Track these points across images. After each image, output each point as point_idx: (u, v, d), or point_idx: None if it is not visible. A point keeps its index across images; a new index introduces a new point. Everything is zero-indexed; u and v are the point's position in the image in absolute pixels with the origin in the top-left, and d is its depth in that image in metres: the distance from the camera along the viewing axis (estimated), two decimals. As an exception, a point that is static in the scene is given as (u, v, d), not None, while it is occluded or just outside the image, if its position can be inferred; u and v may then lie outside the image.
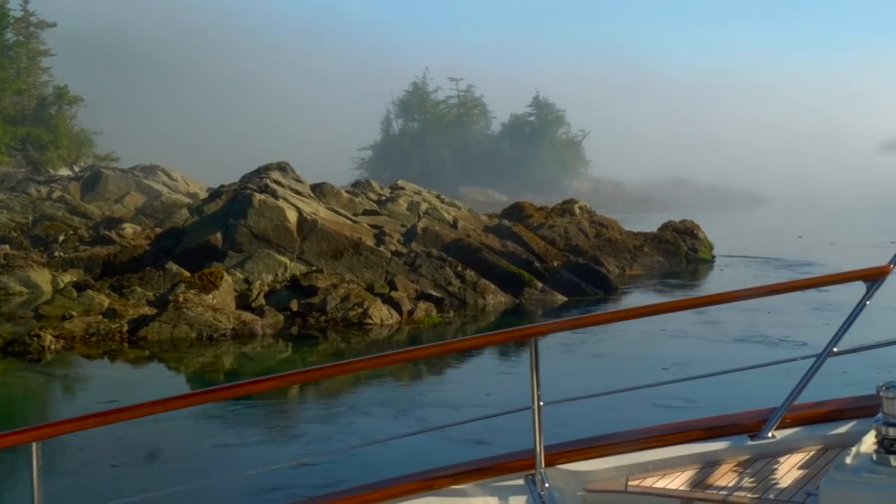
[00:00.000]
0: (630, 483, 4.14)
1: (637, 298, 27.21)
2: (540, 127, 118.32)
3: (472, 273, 25.07)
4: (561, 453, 4.28)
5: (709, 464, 4.22)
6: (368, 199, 28.25)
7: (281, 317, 21.84)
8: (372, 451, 9.19)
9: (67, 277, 26.14)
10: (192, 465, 10.88)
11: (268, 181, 25.99)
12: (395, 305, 22.37)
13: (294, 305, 22.30)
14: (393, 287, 24.11)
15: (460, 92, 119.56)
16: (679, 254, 35.80)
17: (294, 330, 21.56)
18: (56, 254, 28.34)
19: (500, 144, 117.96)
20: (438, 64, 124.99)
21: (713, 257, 37.93)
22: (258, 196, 24.84)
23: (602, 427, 4.79)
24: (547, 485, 4.14)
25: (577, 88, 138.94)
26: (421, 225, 26.51)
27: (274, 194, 25.44)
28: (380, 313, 21.59)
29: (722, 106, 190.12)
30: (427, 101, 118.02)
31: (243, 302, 22.38)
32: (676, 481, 4.11)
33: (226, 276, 22.02)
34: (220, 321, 19.95)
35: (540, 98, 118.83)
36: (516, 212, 37.10)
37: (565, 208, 36.64)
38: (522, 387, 4.31)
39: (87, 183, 45.85)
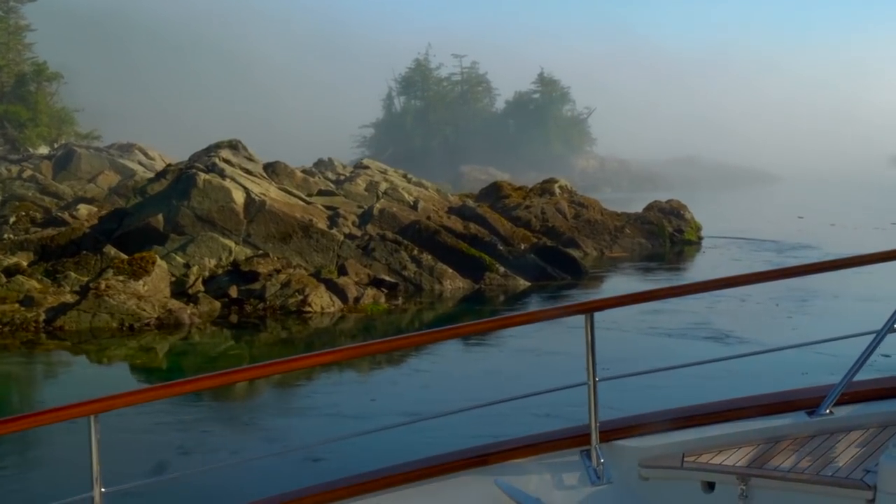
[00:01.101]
0: (686, 459, 4.10)
1: (614, 284, 25.90)
2: (544, 104, 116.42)
3: (429, 257, 23.78)
4: (616, 429, 4.25)
5: (766, 440, 4.18)
6: (326, 179, 26.93)
7: (217, 304, 20.64)
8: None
9: (13, 261, 24.93)
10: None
11: (216, 160, 24.70)
12: (339, 292, 21.12)
13: (233, 292, 21.09)
14: (343, 272, 22.86)
15: (464, 69, 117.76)
16: (663, 235, 34.39)
17: (233, 318, 20.36)
18: (6, 236, 27.16)
19: (504, 122, 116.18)
20: (441, 40, 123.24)
21: (700, 239, 36.55)
22: (202, 176, 23.57)
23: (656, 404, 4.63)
24: (602, 460, 4.13)
25: (583, 65, 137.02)
26: (378, 206, 25.21)
27: (221, 174, 24.16)
28: (321, 301, 20.34)
29: (731, 83, 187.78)
30: (430, 79, 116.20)
31: (180, 288, 21.18)
32: (733, 458, 4.07)
33: (159, 262, 20.80)
34: (144, 310, 18.74)
35: (545, 75, 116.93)
36: (494, 191, 35.73)
37: (545, 188, 35.25)
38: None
39: (60, 162, 44.64)
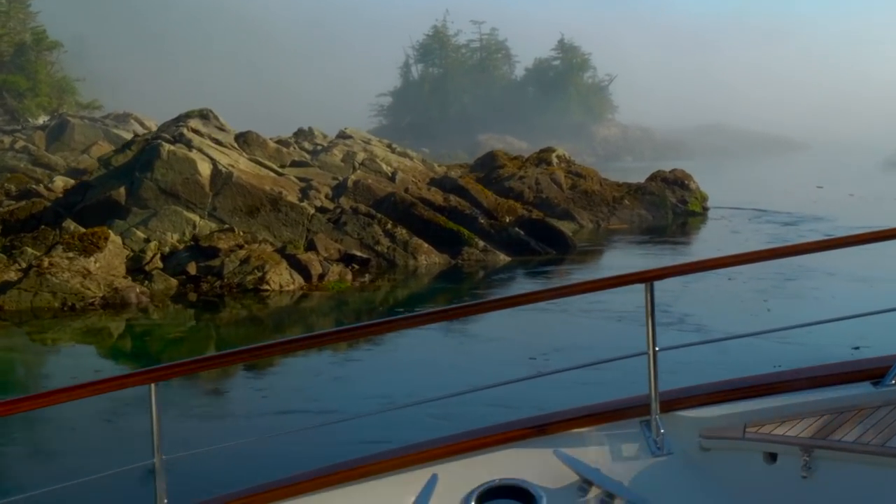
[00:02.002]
0: (748, 430, 4.07)
1: (602, 260, 24.75)
2: (565, 71, 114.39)
3: (404, 231, 22.70)
4: (677, 399, 4.21)
5: (830, 411, 4.11)
6: (302, 149, 25.83)
7: (174, 282, 19.70)
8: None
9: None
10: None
11: (184, 130, 23.69)
12: (302, 269, 20.11)
13: (192, 269, 20.14)
14: (312, 247, 21.85)
15: (483, 35, 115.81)
16: (665, 206, 33.07)
17: (192, 296, 19.43)
18: (-22, 209, 26.34)
19: (524, 90, 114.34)
20: (460, 6, 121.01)
21: (705, 209, 35.21)
22: (167, 147, 22.55)
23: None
24: (662, 431, 4.10)
25: (604, 31, 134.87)
26: (353, 177, 24.10)
27: (189, 144, 23.14)
28: (279, 278, 19.35)
29: (754, 49, 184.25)
30: (448, 46, 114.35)
31: (137, 265, 20.27)
32: (796, 429, 4.03)
33: (113, 237, 19.88)
34: (89, 288, 17.82)
35: (565, 41, 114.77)
36: (489, 161, 34.55)
37: (542, 157, 33.99)
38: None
39: (53, 132, 43.74)
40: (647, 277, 4.12)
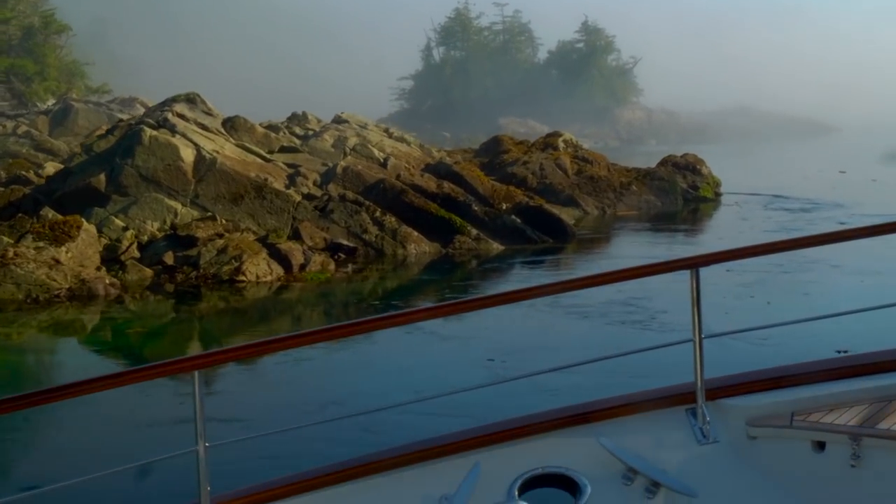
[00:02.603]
0: (796, 418, 4.02)
1: (602, 249, 23.88)
2: (588, 54, 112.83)
3: (393, 219, 21.92)
4: (722, 387, 4.16)
5: (879, 399, 4.01)
6: (293, 134, 25.07)
7: (149, 272, 19.04)
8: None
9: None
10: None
11: (168, 114, 22.99)
12: (282, 259, 19.38)
13: (169, 258, 19.47)
14: (297, 236, 21.12)
15: (505, 18, 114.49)
16: (674, 192, 32.05)
17: (169, 287, 18.77)
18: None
19: (547, 73, 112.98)
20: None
21: (718, 195, 34.18)
22: (148, 132, 21.85)
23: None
24: (708, 419, 4.06)
25: (629, 13, 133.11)
26: (342, 163, 23.31)
27: (173, 129, 22.45)
28: (256, 269, 18.63)
29: (789, 29, 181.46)
30: (470, 28, 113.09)
31: (113, 255, 19.63)
32: (845, 417, 3.95)
33: (86, 226, 19.23)
34: (55, 280, 17.18)
35: (589, 23, 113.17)
36: (494, 146, 33.68)
37: (548, 142, 33.06)
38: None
39: (57, 117, 43.26)
40: (693, 264, 4.04)
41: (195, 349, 13.69)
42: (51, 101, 48.81)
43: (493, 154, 32.79)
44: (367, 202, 22.06)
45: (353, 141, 24.61)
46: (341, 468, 3.87)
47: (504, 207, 24.58)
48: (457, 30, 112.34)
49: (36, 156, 38.47)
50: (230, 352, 3.91)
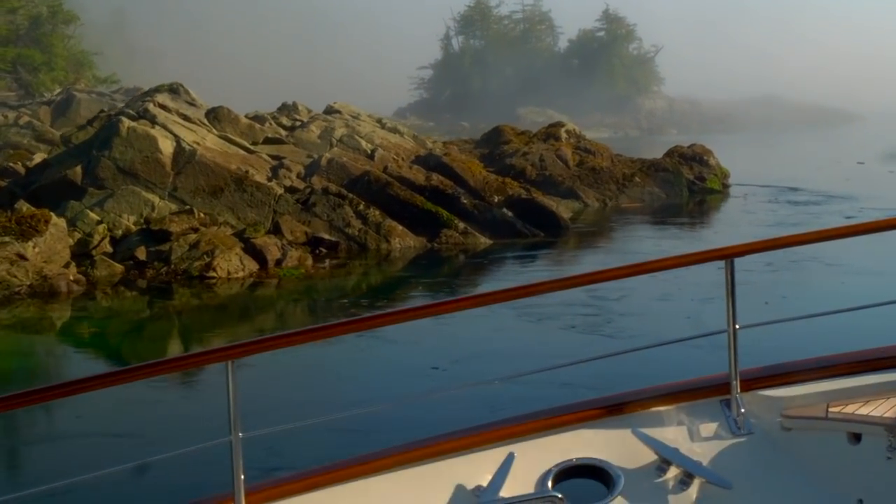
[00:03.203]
0: (831, 410, 3.98)
1: (603, 242, 23.15)
2: (609, 43, 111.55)
3: (377, 212, 21.27)
4: (757, 378, 4.14)
5: None
6: (280, 125, 24.45)
7: (119, 268, 18.51)
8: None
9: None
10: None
11: (149, 105, 22.45)
12: (257, 254, 18.80)
13: (141, 253, 18.93)
14: (277, 230, 20.54)
15: (525, 6, 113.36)
16: (679, 183, 31.19)
17: (142, 283, 18.23)
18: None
19: (567, 62, 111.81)
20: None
21: (726, 186, 33.33)
22: (126, 123, 21.31)
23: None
24: (742, 410, 4.03)
25: (651, 0, 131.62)
26: (327, 155, 22.68)
27: (153, 120, 21.90)
28: (228, 264, 18.04)
29: (815, 18, 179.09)
30: (489, 17, 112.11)
31: (85, 249, 19.12)
32: (881, 408, 3.91)
33: (55, 220, 18.72)
34: (16, 276, 16.67)
35: (609, 11, 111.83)
36: (495, 136, 32.95)
37: (550, 132, 32.31)
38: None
39: (59, 107, 42.87)
40: (728, 254, 4.04)
41: (135, 356, 13.10)
42: (57, 92, 48.45)
43: (493, 145, 32.08)
44: (350, 195, 21.42)
45: (340, 132, 23.97)
46: (375, 458, 3.84)
47: (496, 200, 23.88)
48: (476, 19, 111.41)
49: (38, 146, 38.05)
50: (265, 342, 3.89)
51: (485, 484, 3.78)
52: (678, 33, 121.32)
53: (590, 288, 12.77)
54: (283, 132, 23.90)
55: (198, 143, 21.66)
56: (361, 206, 21.29)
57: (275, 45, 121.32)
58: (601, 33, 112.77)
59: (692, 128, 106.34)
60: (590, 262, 19.11)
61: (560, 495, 3.50)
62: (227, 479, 3.46)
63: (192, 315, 15.89)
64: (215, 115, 23.40)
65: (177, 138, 21.52)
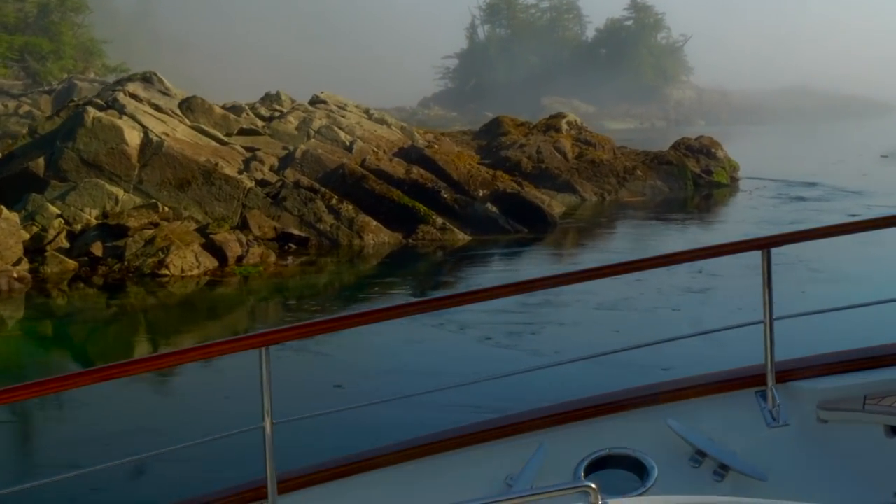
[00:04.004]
0: (868, 402, 3.95)
1: (590, 240, 22.17)
2: (637, 31, 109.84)
3: (350, 207, 20.39)
4: (793, 370, 4.13)
5: None
6: (258, 115, 23.61)
7: (72, 265, 17.76)
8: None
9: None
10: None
11: (119, 94, 21.70)
12: (216, 251, 18.00)
13: (97, 249, 18.17)
14: (245, 225, 19.73)
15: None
16: (684, 176, 30.05)
17: (98, 280, 17.48)
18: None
19: (594, 52, 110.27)
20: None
21: (735, 180, 32.15)
22: (92, 113, 20.58)
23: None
24: (778, 402, 4.02)
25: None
26: (302, 147, 21.81)
27: (122, 110, 21.15)
28: (182, 262, 17.24)
29: (852, 7, 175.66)
30: (516, 6, 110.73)
31: (39, 245, 18.39)
32: None
33: (7, 214, 17.99)
34: (-46, 273, 15.97)
35: (638, 0, 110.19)
36: (494, 128, 31.94)
37: (550, 124, 31.23)
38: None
39: (60, 97, 42.32)
40: (765, 244, 4.03)
41: (32, 367, 12.27)
42: (60, 80, 47.94)
43: (492, 136, 31.08)
44: (322, 189, 20.55)
45: (318, 123, 23.08)
46: (406, 447, 3.83)
47: (481, 194, 22.92)
48: (502, 7, 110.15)
49: (36, 137, 37.58)
50: (299, 328, 3.86)
51: (516, 473, 3.74)
52: (708, 22, 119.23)
53: (538, 292, 11.79)
54: (260, 123, 23.03)
55: (167, 135, 20.88)
56: (334, 201, 20.42)
57: (301, 35, 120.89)
58: (629, 22, 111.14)
59: (721, 118, 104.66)
60: (566, 262, 18.10)
61: (593, 485, 3.21)
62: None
63: (123, 318, 15.07)
64: (188, 106, 22.60)
65: (145, 129, 20.76)
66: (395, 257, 19.49)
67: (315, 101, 25.78)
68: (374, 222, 20.32)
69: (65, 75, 49.18)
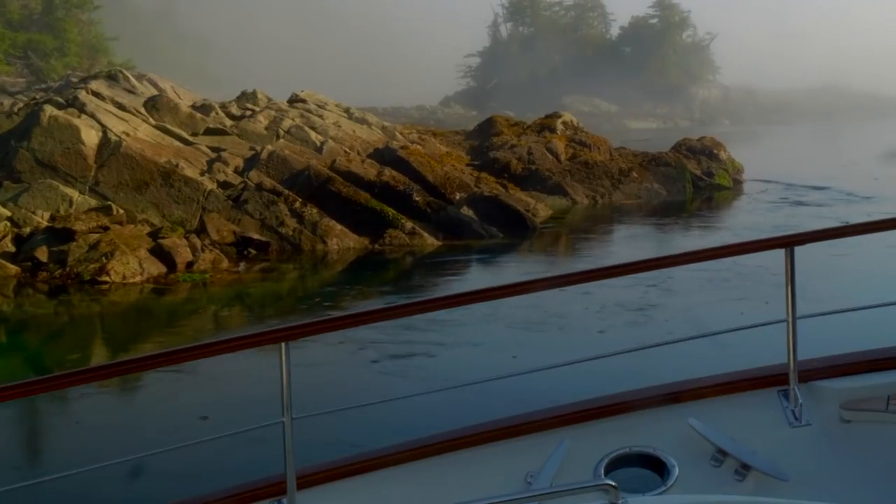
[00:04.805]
0: (892, 402, 3.94)
1: (568, 248, 21.21)
2: (662, 30, 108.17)
3: (315, 210, 19.53)
4: (816, 369, 4.10)
5: None
6: (228, 115, 22.77)
7: (13, 269, 17.05)
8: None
9: None
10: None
11: (81, 93, 20.98)
12: (164, 256, 17.19)
13: (42, 254, 17.43)
14: (203, 229, 18.94)
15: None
16: (682, 179, 28.92)
17: (42, 286, 16.74)
18: None
19: (619, 50, 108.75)
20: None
21: (739, 182, 31.02)
22: (48, 111, 19.86)
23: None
24: (801, 401, 3.99)
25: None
26: (269, 148, 20.96)
27: (82, 109, 20.43)
28: (124, 268, 16.44)
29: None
30: (539, 4, 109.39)
31: (-17, 248, 17.69)
32: None
33: (-52, 217, 17.32)
34: None
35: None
36: (487, 128, 30.98)
37: (545, 124, 30.21)
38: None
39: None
40: (788, 242, 3.98)
41: None
42: (72, 79, 47.38)
43: (486, 135, 30.12)
44: (286, 191, 19.71)
45: (288, 123, 22.22)
46: (426, 444, 3.82)
47: (458, 197, 21.99)
48: (525, 5, 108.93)
49: (31, 135, 37.09)
50: (319, 324, 3.83)
51: (536, 471, 3.73)
52: (736, 19, 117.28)
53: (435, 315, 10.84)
54: (230, 123, 22.21)
55: (127, 134, 20.13)
56: (298, 204, 19.57)
57: (325, 32, 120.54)
58: (654, 20, 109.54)
59: (747, 118, 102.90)
60: (533, 270, 17.11)
61: (613, 483, 3.22)
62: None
63: (35, 330, 14.28)
64: (154, 104, 21.83)
65: (104, 128, 20.00)
66: (358, 264, 18.60)
67: (294, 100, 24.93)
68: (339, 226, 19.45)
69: (68, 73, 48.71)
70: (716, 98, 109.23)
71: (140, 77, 44.20)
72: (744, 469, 3.80)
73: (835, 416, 3.99)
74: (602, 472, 3.76)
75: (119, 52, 64.72)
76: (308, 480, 3.58)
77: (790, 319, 3.95)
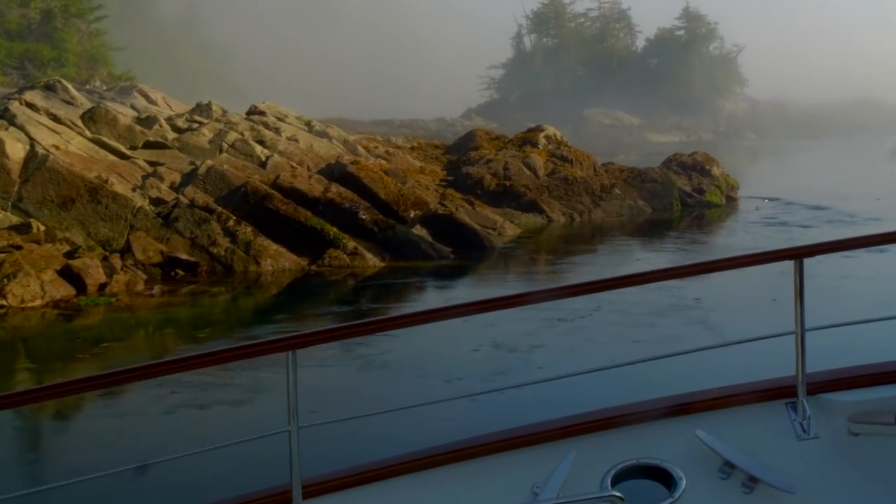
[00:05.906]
0: None
1: (525, 270, 19.97)
2: (689, 42, 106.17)
3: (249, 229, 18.38)
4: (825, 382, 4.06)
5: None
6: (173, 128, 21.71)
7: (-89, 292, 16.01)
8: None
9: None
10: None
11: (12, 104, 20.01)
12: (73, 278, 16.12)
13: (-53, 275, 16.41)
14: (128, 248, 17.86)
15: (602, 4, 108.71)
16: (670, 195, 27.51)
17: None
18: None
19: (644, 62, 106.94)
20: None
21: (734, 199, 29.57)
22: (-27, 123, 18.93)
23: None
24: (809, 414, 3.95)
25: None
26: (208, 163, 19.84)
27: (11, 120, 19.46)
28: (24, 291, 15.37)
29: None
30: (564, 15, 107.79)
31: None
32: None
33: None
34: None
35: (690, 10, 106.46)
36: (467, 142, 29.75)
37: (527, 138, 28.90)
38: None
39: (44, 106, 41.02)
40: (796, 254, 3.92)
41: None
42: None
43: (465, 150, 28.90)
44: (219, 209, 18.58)
45: (233, 136, 21.10)
46: (433, 454, 3.79)
47: (412, 215, 20.76)
48: (550, 17, 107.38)
49: (14, 147, 36.37)
50: (327, 332, 3.83)
51: (542, 482, 3.69)
52: (763, 31, 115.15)
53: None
54: (172, 136, 21.14)
55: (57, 147, 19.10)
56: (231, 222, 18.43)
57: (350, 41, 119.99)
58: (681, 32, 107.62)
59: (774, 131, 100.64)
60: (460, 295, 15.84)
61: (620, 495, 3.30)
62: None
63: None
64: (91, 117, 20.80)
65: (32, 141, 19.00)
66: (291, 287, 17.43)
67: (253, 112, 23.84)
68: (275, 246, 18.29)
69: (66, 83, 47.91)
70: (743, 111, 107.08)
71: (129, 88, 43.53)
72: (751, 482, 3.77)
73: (843, 429, 3.95)
74: (609, 483, 3.71)
75: (142, 63, 64.21)
76: (314, 490, 3.57)
77: (799, 332, 3.91)
